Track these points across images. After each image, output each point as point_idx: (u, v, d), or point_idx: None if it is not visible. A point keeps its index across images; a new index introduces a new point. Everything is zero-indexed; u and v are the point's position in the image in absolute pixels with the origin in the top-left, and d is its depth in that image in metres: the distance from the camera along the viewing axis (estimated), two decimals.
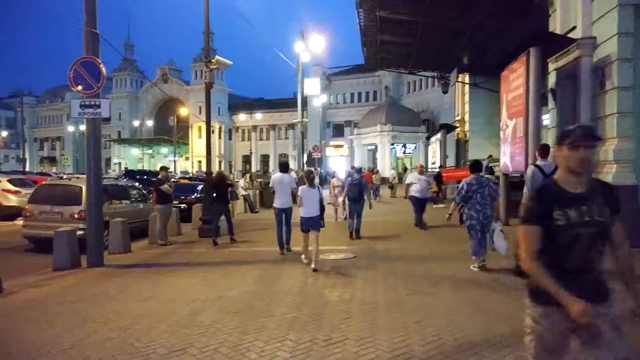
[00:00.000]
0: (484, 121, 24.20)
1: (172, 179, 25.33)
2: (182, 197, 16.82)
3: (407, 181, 12.96)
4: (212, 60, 11.80)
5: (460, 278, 6.78)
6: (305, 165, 26.91)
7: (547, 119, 13.23)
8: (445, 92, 23.42)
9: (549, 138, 12.64)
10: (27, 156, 74.35)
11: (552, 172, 6.73)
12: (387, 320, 4.95)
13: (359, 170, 12.53)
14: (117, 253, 9.66)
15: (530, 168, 7.03)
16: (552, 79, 12.16)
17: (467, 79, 23.44)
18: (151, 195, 11.91)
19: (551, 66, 12.03)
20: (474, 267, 7.34)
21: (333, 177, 16.58)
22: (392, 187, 27.15)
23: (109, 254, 9.61)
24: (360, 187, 11.23)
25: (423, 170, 13.74)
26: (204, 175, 13.11)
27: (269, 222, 14.15)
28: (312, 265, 7.56)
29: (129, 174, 31.48)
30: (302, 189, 8.20)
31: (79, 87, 8.29)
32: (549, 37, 10.61)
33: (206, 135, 12.18)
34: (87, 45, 8.30)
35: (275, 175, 9.69)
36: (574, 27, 11.10)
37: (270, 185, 9.90)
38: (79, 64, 8.25)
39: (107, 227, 10.00)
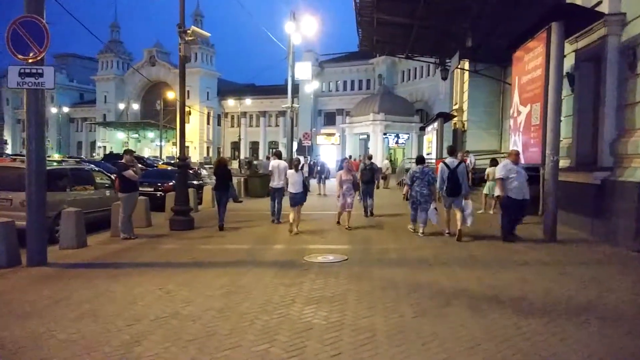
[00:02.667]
0: (483, 111, 23.01)
1: (151, 164, 23.99)
2: (158, 184, 15.59)
3: (500, 174, 8.82)
4: (188, 31, 10.35)
5: (476, 293, 5.51)
6: (295, 154, 25.57)
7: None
8: (444, 78, 22.17)
9: (563, 127, 11.43)
10: (8, 137, 72.14)
11: (456, 167, 8.99)
12: (389, 359, 3.68)
13: (370, 157, 13.85)
14: (69, 248, 8.32)
15: (441, 164, 9.10)
16: (569, 62, 10.90)
17: (466, 66, 22.15)
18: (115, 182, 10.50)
19: (569, 47, 10.75)
20: (410, 227, 9.96)
21: (340, 169, 11.49)
22: (385, 177, 25.92)
23: (60, 249, 8.30)
24: (372, 171, 12.69)
25: (519, 159, 9.39)
26: (178, 161, 11.69)
27: (252, 214, 12.97)
28: (295, 230, 9.82)
29: (109, 157, 30.08)
30: (289, 173, 10.45)
31: (19, 54, 6.88)
32: (573, 10, 9.31)
33: (180, 116, 10.77)
34: (27, 1, 6.86)
35: (274, 161, 11.83)
36: (599, 3, 9.85)
37: (270, 169, 11.87)
38: (18, 23, 6.81)
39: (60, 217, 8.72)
